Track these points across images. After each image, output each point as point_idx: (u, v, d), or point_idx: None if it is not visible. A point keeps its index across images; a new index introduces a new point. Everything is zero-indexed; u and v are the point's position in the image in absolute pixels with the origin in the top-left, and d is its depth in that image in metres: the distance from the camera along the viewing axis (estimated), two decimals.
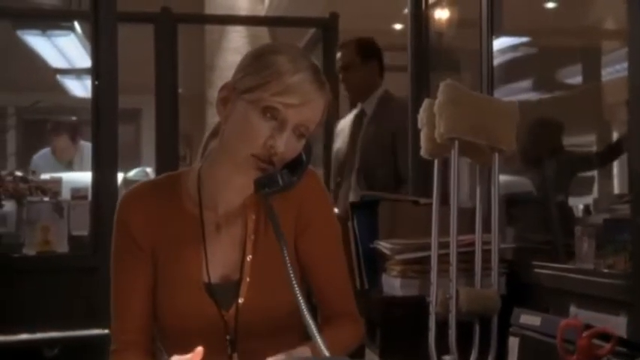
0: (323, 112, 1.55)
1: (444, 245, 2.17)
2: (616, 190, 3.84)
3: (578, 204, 3.58)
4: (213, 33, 7.24)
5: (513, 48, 3.97)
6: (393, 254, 2.41)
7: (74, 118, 5.38)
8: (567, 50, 4.18)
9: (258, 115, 1.49)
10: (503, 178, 2.56)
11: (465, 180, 2.96)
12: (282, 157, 1.50)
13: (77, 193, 3.45)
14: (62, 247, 3.32)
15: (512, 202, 3.04)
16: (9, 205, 3.41)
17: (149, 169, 4.68)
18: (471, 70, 2.96)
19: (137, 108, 9.62)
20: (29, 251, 3.30)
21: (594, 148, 3.99)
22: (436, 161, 2.26)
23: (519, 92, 4.02)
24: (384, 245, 2.47)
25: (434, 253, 2.20)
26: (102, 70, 3.32)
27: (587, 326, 1.52)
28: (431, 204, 2.25)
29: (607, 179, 3.93)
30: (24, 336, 3.03)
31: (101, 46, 3.32)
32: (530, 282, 2.32)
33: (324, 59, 4.38)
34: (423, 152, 2.24)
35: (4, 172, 3.48)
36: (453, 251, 2.13)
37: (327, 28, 4.55)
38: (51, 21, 4.87)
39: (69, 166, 4.87)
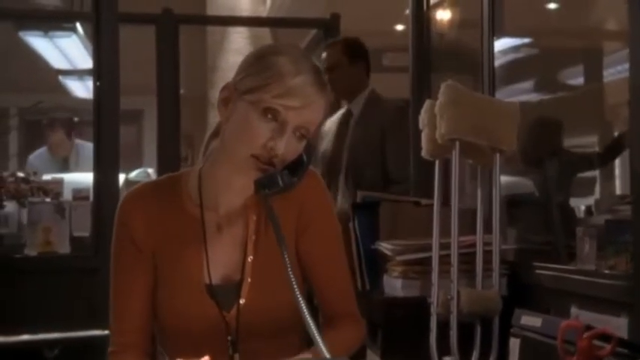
0: (324, 114, 1.55)
1: (445, 246, 2.17)
2: (618, 190, 3.83)
3: (580, 205, 3.58)
4: (214, 34, 7.25)
5: (515, 49, 3.97)
6: (394, 255, 2.41)
7: (76, 119, 5.37)
8: (569, 51, 4.18)
9: (258, 117, 1.49)
10: (504, 178, 2.56)
11: (466, 181, 2.95)
12: (282, 158, 1.50)
13: (79, 194, 3.45)
14: (63, 248, 3.32)
15: (513, 202, 3.04)
16: (10, 206, 3.41)
17: (151, 170, 4.68)
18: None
19: (139, 109, 9.62)
20: (30, 252, 3.30)
21: (596, 149, 3.99)
22: (437, 162, 2.26)
23: (521, 93, 4.02)
24: (385, 246, 2.47)
25: (435, 254, 2.20)
26: (103, 71, 3.33)
27: (588, 327, 1.51)
28: (432, 205, 2.25)
29: (609, 180, 3.93)
30: (25, 337, 3.03)
31: (103, 47, 3.32)
32: (531, 283, 2.32)
33: None
34: (424, 153, 2.24)
35: (5, 173, 3.48)
36: (454, 252, 2.13)
37: (328, 28, 4.55)
38: (53, 22, 4.87)
39: (64, 164, 4.86)
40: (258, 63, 1.52)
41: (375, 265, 2.57)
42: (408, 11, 3.56)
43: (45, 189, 3.42)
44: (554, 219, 3.13)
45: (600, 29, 4.09)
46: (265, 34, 6.94)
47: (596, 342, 1.47)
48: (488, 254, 2.22)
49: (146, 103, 7.60)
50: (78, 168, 4.68)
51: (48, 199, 3.39)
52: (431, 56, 3.38)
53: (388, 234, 2.56)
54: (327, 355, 1.27)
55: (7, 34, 5.06)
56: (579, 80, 4.30)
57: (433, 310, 2.17)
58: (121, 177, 3.68)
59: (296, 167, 1.54)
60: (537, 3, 4.27)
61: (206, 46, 7.33)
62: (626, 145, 2.73)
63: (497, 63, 2.77)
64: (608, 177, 3.92)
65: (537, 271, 2.31)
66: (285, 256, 1.38)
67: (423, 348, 2.16)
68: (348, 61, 3.55)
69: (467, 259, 2.22)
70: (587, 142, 4.19)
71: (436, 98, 2.16)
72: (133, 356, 1.60)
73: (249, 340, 1.57)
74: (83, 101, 6.57)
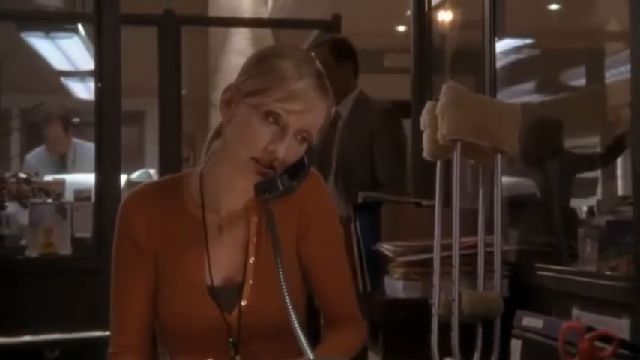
0: (326, 117, 1.54)
1: (447, 247, 2.17)
2: (620, 191, 3.83)
3: (581, 205, 3.58)
4: (216, 35, 7.26)
5: (516, 50, 3.97)
6: (395, 256, 2.41)
7: (77, 120, 5.37)
8: (570, 52, 4.18)
9: (259, 120, 1.48)
10: (505, 179, 2.56)
11: (468, 182, 2.95)
12: (282, 161, 1.49)
13: (80, 195, 3.46)
14: (65, 249, 3.32)
15: (514, 203, 3.04)
16: (12, 207, 3.41)
17: (152, 171, 4.68)
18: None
19: (141, 110, 9.64)
20: (32, 253, 3.30)
21: (598, 150, 3.99)
22: (438, 163, 2.26)
23: (522, 94, 4.02)
24: (386, 247, 2.46)
25: (436, 255, 2.20)
26: (105, 72, 3.34)
27: (590, 328, 1.51)
28: (433, 206, 2.25)
29: (611, 181, 3.93)
30: (26, 337, 3.03)
31: (104, 48, 3.33)
32: (532, 284, 2.32)
33: None
34: (425, 154, 2.24)
35: (7, 174, 3.49)
36: (455, 253, 2.13)
37: (330, 30, 4.55)
38: (54, 23, 4.87)
39: (62, 163, 4.85)
40: (260, 65, 1.52)
41: (377, 267, 2.57)
42: (409, 12, 3.57)
43: (47, 190, 3.42)
44: (555, 220, 3.13)
45: (602, 30, 4.09)
46: (267, 36, 6.95)
47: (598, 343, 1.47)
48: (489, 255, 2.22)
49: (148, 104, 7.61)
50: (75, 167, 4.68)
51: (49, 200, 3.39)
52: (432, 57, 3.38)
53: (389, 235, 2.55)
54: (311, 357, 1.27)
55: (8, 35, 5.07)
56: (581, 81, 4.30)
57: (434, 311, 2.17)
58: (123, 178, 3.68)
59: (297, 171, 1.53)
60: (539, 4, 4.27)
61: (208, 47, 7.34)
62: (628, 146, 2.73)
63: (498, 64, 2.77)
64: (610, 178, 3.92)
65: (539, 273, 2.31)
66: (280, 266, 1.38)
67: (424, 349, 2.16)
68: (336, 62, 3.49)
69: (468, 260, 2.22)
70: (589, 142, 4.18)
71: (437, 99, 2.16)
72: (133, 357, 1.60)
73: (251, 342, 1.57)
74: (85, 102, 6.58)
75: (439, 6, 3.69)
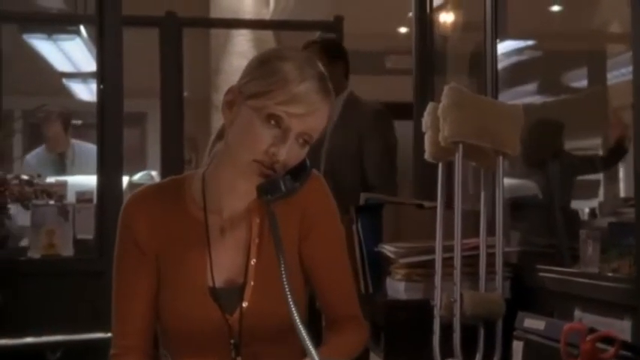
0: (327, 120, 1.54)
1: (449, 249, 2.17)
2: (622, 193, 3.83)
3: (583, 207, 3.57)
4: (218, 37, 7.25)
5: (518, 51, 3.96)
6: (397, 258, 2.41)
7: (79, 121, 5.38)
8: (572, 54, 4.17)
9: (261, 122, 1.48)
10: (507, 181, 2.56)
11: (470, 183, 2.95)
12: (284, 164, 1.49)
13: (82, 197, 3.46)
14: (67, 251, 3.33)
15: (516, 205, 3.03)
16: (14, 209, 3.42)
17: (154, 173, 4.69)
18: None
19: (142, 111, 9.63)
20: (34, 254, 3.31)
21: (600, 152, 3.98)
22: (440, 165, 2.26)
23: (524, 96, 4.01)
24: (388, 249, 2.47)
25: (438, 257, 2.20)
26: (107, 74, 3.34)
27: (592, 330, 1.51)
28: (435, 207, 2.25)
29: (613, 182, 3.92)
30: (28, 339, 3.03)
31: (106, 49, 3.33)
32: (534, 286, 2.32)
33: None
34: (427, 156, 2.24)
35: (9, 176, 3.49)
36: (457, 255, 2.13)
37: (332, 31, 4.55)
38: (57, 25, 4.89)
39: (61, 162, 4.85)
40: (262, 67, 1.51)
41: (378, 268, 2.57)
42: (411, 14, 3.57)
43: (49, 191, 3.42)
44: (557, 221, 3.13)
45: (604, 32, 4.09)
46: (269, 37, 6.94)
47: (600, 345, 1.47)
48: (491, 257, 2.22)
49: (150, 106, 7.60)
50: (74, 167, 4.68)
51: (52, 202, 3.39)
52: (434, 58, 3.38)
53: (391, 236, 2.56)
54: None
55: (11, 36, 5.07)
56: (583, 83, 4.29)
57: (436, 312, 2.17)
58: (125, 179, 3.69)
59: (299, 172, 1.53)
60: (540, 5, 4.26)
61: (209, 48, 7.34)
62: (630, 148, 2.72)
63: (500, 65, 2.77)
64: (613, 179, 3.91)
65: (540, 274, 2.31)
66: (282, 267, 1.38)
67: (426, 351, 2.16)
68: (326, 62, 3.46)
69: (470, 261, 2.22)
70: (592, 144, 4.18)
71: (439, 101, 2.16)
72: (135, 359, 1.60)
73: (252, 344, 1.57)
74: (87, 104, 6.59)
75: (441, 7, 3.69)
